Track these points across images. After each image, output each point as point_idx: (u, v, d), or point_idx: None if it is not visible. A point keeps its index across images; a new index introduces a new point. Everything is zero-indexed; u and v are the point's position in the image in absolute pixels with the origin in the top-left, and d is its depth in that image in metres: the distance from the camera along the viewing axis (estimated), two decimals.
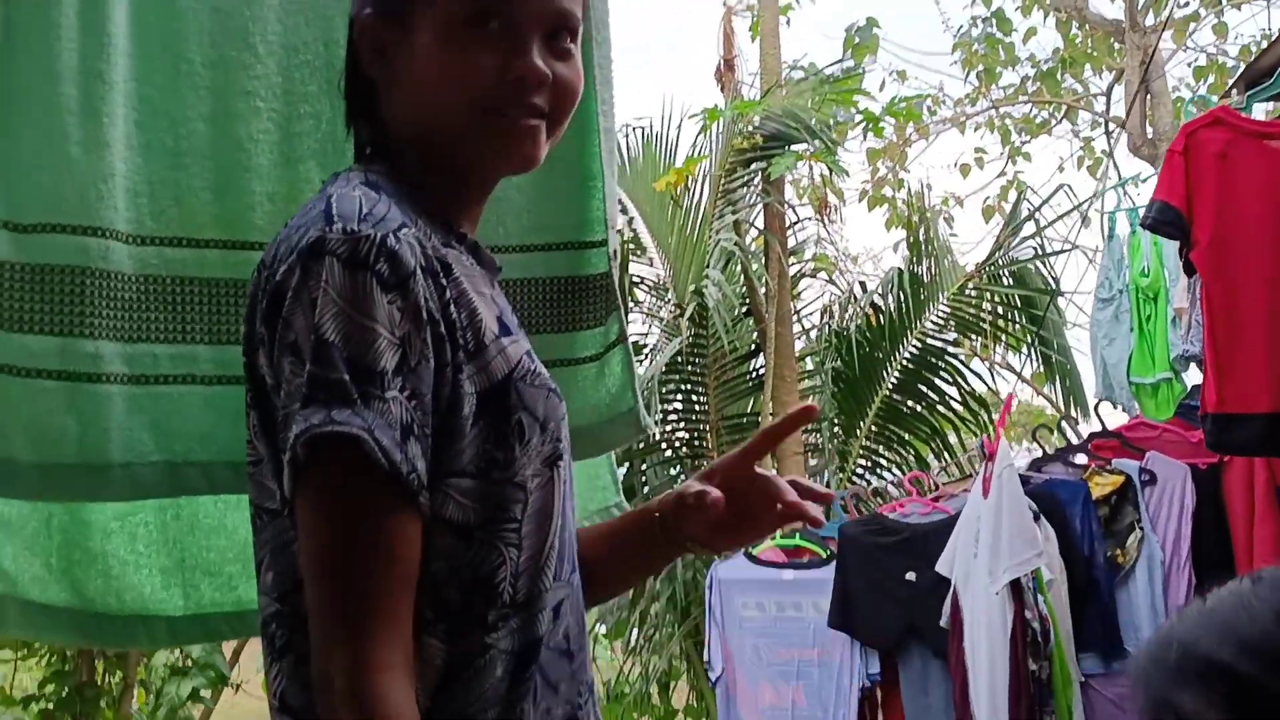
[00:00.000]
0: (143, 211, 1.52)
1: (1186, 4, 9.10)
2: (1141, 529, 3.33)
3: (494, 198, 1.62)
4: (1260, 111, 3.23)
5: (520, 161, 1.21)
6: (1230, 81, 4.91)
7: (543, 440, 1.13)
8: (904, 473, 5.71)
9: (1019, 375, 7.97)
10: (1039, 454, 3.69)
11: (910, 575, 3.54)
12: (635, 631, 6.27)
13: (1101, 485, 3.40)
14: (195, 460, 1.55)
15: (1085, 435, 3.80)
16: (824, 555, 3.88)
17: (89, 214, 1.46)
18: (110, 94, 1.48)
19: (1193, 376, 3.95)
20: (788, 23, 7.46)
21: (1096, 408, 4.49)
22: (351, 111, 1.28)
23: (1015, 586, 3.09)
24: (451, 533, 1.08)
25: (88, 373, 1.47)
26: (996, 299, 6.42)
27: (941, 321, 6.44)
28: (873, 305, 6.62)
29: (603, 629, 6.22)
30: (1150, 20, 8.23)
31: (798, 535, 3.98)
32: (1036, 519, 3.18)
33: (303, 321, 1.02)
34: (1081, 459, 3.57)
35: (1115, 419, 4.19)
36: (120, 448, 1.49)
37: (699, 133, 6.54)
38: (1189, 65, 9.61)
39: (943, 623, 3.35)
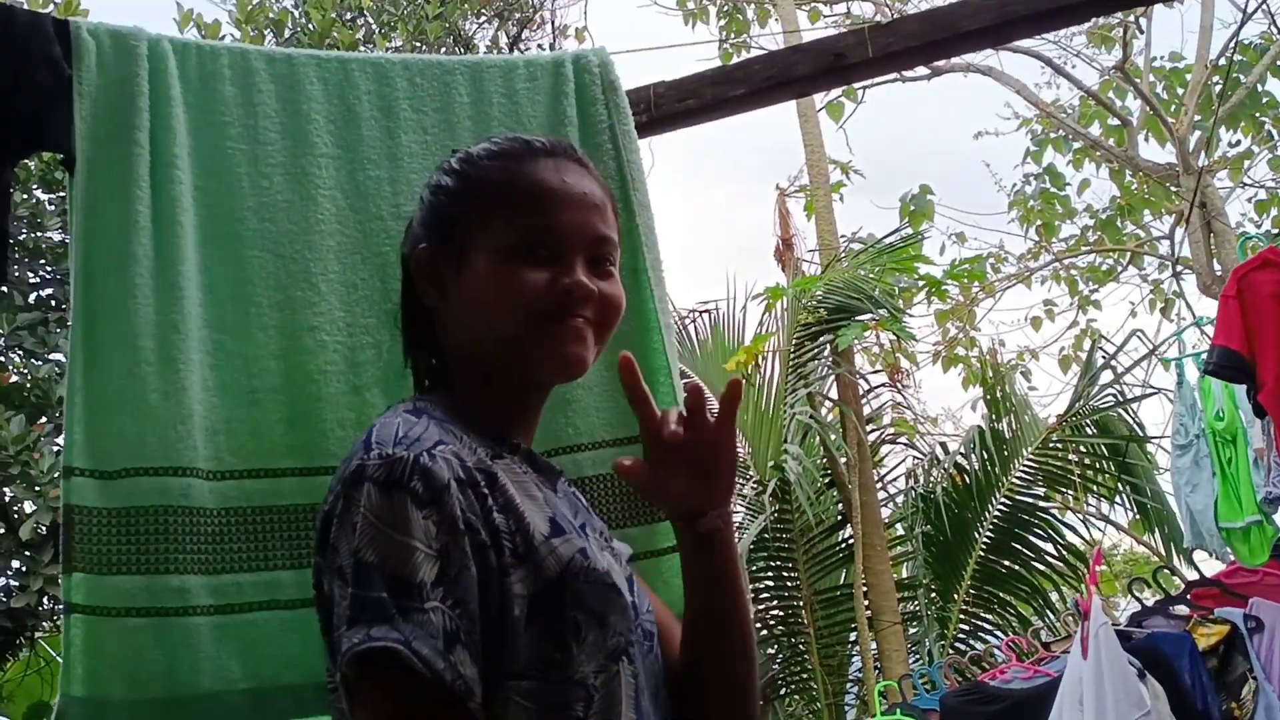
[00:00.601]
0: (221, 449, 1.60)
1: (1239, 143, 9.17)
2: (1255, 679, 3.19)
3: (563, 399, 1.71)
4: None
5: (570, 363, 1.27)
6: None
7: (602, 636, 1.15)
8: (1007, 635, 5.55)
9: (1114, 524, 7.77)
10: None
11: None
12: None
13: (1207, 636, 3.28)
14: (283, 685, 1.58)
15: (1183, 585, 3.69)
16: None
17: (169, 455, 1.54)
18: (185, 343, 1.58)
19: None
20: (840, 198, 7.63)
21: (1190, 555, 4.36)
22: (410, 342, 1.37)
23: None
24: None
25: (174, 607, 1.52)
26: (1082, 449, 6.34)
27: (1029, 477, 6.35)
28: (956, 466, 6.56)
29: None
30: (1203, 161, 8.29)
31: (898, 711, 3.87)
32: (1142, 676, 3.08)
33: (346, 546, 1.08)
34: (1182, 610, 3.46)
35: (1211, 566, 4.07)
36: (209, 678, 1.53)
37: (764, 311, 6.66)
38: (1249, 200, 9.62)
39: None
